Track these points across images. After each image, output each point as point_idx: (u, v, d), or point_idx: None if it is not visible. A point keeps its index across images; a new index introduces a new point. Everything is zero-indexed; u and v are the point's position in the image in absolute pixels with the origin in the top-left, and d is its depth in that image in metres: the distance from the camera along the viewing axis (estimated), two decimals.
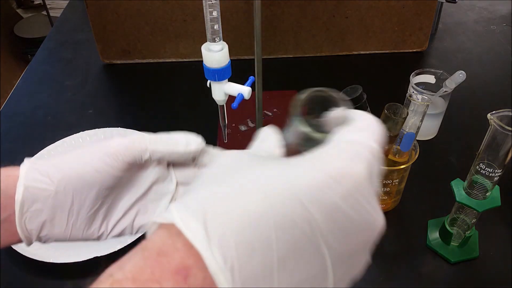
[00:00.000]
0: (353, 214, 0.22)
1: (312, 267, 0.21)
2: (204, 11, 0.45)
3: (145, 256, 0.20)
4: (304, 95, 0.29)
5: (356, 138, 0.24)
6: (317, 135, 0.27)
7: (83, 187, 0.31)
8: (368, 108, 0.54)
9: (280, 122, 0.81)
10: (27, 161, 0.32)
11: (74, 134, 0.70)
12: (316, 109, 0.29)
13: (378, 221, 0.23)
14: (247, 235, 0.20)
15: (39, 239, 0.32)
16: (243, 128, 0.73)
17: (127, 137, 0.33)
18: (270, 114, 0.76)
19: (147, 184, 0.33)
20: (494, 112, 0.44)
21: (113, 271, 0.20)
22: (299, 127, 0.27)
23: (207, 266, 0.19)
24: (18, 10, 2.49)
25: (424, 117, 0.52)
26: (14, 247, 0.55)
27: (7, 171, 0.31)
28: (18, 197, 0.31)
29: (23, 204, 0.31)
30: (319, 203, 0.21)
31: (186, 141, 0.33)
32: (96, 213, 0.32)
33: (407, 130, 0.53)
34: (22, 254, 0.55)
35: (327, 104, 0.30)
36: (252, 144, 0.29)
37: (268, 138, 0.29)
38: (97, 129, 0.71)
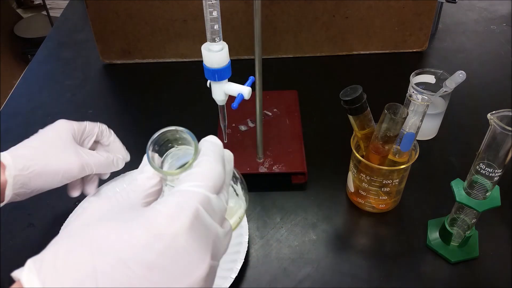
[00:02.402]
0: (170, 267, 0.25)
1: None
2: (204, 11, 0.45)
3: None
4: (154, 136, 0.32)
5: (186, 188, 0.28)
6: (166, 174, 0.32)
7: (43, 190, 0.50)
8: (368, 108, 0.54)
9: (280, 122, 0.81)
10: (9, 171, 0.48)
11: None
12: (168, 147, 0.34)
13: (198, 268, 0.26)
14: None
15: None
16: (243, 128, 0.73)
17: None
18: (270, 114, 0.75)
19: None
20: (494, 112, 0.44)
21: None
22: (152, 166, 0.32)
23: None
24: (18, 10, 2.49)
25: (424, 117, 0.52)
26: None
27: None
28: (7, 198, 0.47)
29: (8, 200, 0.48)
30: (140, 261, 0.25)
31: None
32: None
33: (407, 130, 0.53)
34: None
35: (179, 140, 0.34)
36: (134, 173, 0.35)
37: (145, 168, 0.33)
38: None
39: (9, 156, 0.48)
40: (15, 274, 0.26)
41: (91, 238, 0.26)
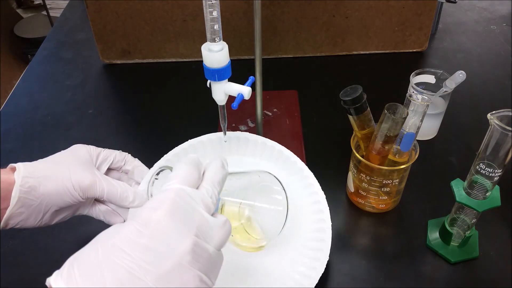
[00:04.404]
0: (159, 246, 0.32)
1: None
2: (204, 11, 0.45)
3: None
4: (154, 170, 0.51)
5: (165, 187, 0.36)
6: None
7: (53, 204, 0.48)
8: (368, 108, 0.54)
9: (280, 122, 0.81)
10: (19, 172, 0.46)
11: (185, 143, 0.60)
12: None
13: (181, 244, 0.33)
14: (92, 280, 0.30)
15: (12, 226, 0.48)
16: (243, 128, 0.73)
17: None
18: (270, 114, 0.76)
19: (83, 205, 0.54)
20: (494, 112, 0.44)
21: None
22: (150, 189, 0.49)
23: None
24: (18, 10, 2.49)
25: (424, 117, 0.52)
26: None
27: (4, 173, 0.46)
28: (13, 202, 0.45)
29: (13, 207, 0.45)
30: (134, 246, 0.31)
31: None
32: (55, 216, 0.50)
33: (407, 130, 0.53)
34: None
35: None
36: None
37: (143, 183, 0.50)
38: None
39: (21, 163, 0.48)
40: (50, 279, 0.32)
41: (98, 240, 0.33)
